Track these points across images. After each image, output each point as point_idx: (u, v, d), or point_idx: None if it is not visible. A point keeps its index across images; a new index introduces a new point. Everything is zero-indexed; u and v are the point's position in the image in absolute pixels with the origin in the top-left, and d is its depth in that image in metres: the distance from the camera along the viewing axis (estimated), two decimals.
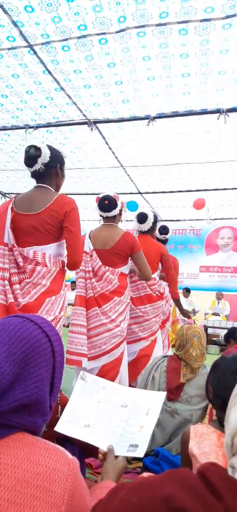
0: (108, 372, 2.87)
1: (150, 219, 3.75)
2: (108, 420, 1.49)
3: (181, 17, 2.48)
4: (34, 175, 2.39)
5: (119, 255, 3.04)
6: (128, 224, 4.27)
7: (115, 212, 3.12)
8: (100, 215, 3.20)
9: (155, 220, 3.88)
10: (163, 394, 1.57)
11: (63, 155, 2.49)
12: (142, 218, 3.74)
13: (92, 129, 3.95)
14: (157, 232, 4.51)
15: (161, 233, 4.59)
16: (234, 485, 0.62)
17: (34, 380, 0.91)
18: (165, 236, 4.60)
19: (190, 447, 1.53)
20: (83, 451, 1.65)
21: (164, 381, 2.49)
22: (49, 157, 2.33)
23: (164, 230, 4.61)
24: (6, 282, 2.21)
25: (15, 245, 2.26)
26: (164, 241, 4.57)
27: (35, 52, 2.88)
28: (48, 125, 4.10)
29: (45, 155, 2.31)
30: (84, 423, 1.48)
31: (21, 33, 2.67)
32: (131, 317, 3.40)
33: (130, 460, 2.37)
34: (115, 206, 3.10)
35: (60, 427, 1.39)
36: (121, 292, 3.03)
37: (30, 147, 2.33)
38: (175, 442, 2.34)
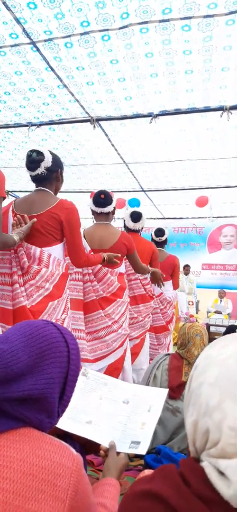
0: (114, 371, 2.90)
1: (144, 219, 3.83)
2: (109, 416, 1.49)
3: (184, 13, 2.47)
4: (35, 179, 2.42)
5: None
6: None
7: (110, 208, 3.10)
8: (94, 211, 3.15)
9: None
10: (165, 391, 1.57)
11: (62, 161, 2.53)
12: (137, 217, 3.79)
13: (94, 126, 3.95)
14: (153, 234, 4.63)
15: (156, 235, 4.65)
16: (199, 472, 0.72)
17: (45, 376, 0.94)
18: (160, 238, 4.64)
19: None
20: (84, 447, 1.65)
21: (166, 379, 2.49)
22: (51, 161, 2.37)
23: (160, 232, 4.66)
24: (17, 285, 2.23)
25: (23, 243, 2.27)
26: (159, 243, 4.60)
27: (38, 49, 2.88)
28: (51, 122, 4.10)
29: (48, 160, 2.35)
30: (86, 419, 1.48)
31: (24, 30, 2.66)
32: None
33: (131, 457, 2.38)
34: (111, 202, 3.09)
35: (62, 423, 1.39)
36: (121, 293, 3.05)
37: (32, 151, 2.35)
38: (177, 440, 2.34)
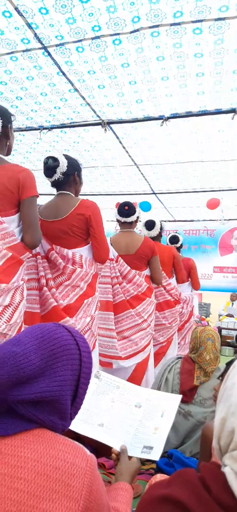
0: (141, 369, 3.06)
1: (158, 225, 3.95)
2: (121, 420, 1.49)
3: (195, 16, 2.47)
4: (54, 184, 2.48)
5: (142, 259, 3.23)
6: None
7: (133, 218, 3.30)
8: (118, 220, 3.34)
9: (161, 227, 4.07)
10: (179, 397, 1.56)
11: (79, 163, 2.57)
12: (151, 224, 3.94)
13: (105, 130, 3.97)
14: (167, 241, 4.77)
15: (171, 243, 4.76)
16: (220, 478, 0.71)
17: (58, 379, 0.94)
18: (175, 245, 4.72)
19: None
20: (96, 450, 1.66)
21: (178, 382, 2.48)
22: (67, 165, 2.41)
23: (174, 239, 4.80)
24: (46, 289, 2.31)
25: (54, 247, 2.36)
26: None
27: (49, 54, 2.90)
28: (62, 126, 4.13)
29: (63, 164, 2.40)
30: (97, 422, 1.48)
31: (35, 35, 2.69)
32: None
33: (143, 461, 2.37)
34: (134, 212, 3.28)
35: (74, 425, 1.40)
36: (150, 293, 3.23)
37: (48, 158, 2.41)
38: (189, 444, 2.33)
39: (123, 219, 3.28)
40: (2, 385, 0.87)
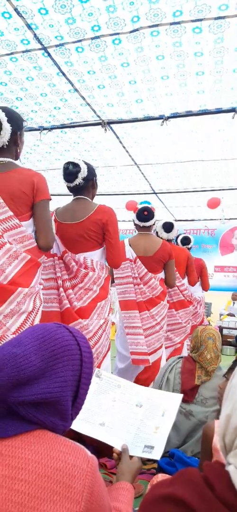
0: (154, 369, 3.11)
1: (175, 228, 4.05)
2: (122, 419, 1.48)
3: (195, 16, 2.46)
4: (73, 189, 2.54)
5: (159, 261, 3.29)
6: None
7: (152, 222, 3.38)
8: (137, 224, 3.40)
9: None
10: (180, 396, 1.56)
11: (95, 168, 2.65)
12: (169, 227, 4.00)
13: (105, 129, 3.97)
14: (179, 242, 4.79)
15: (183, 244, 4.78)
16: (225, 476, 0.70)
17: (58, 380, 0.94)
18: (187, 246, 4.76)
19: (215, 442, 1.52)
20: (97, 451, 1.65)
21: (179, 382, 2.47)
22: (87, 171, 2.49)
23: (186, 240, 4.83)
24: (62, 289, 2.38)
25: (67, 250, 2.43)
26: None
27: (49, 54, 2.90)
28: (62, 126, 4.13)
29: (84, 170, 2.47)
30: (99, 421, 1.48)
31: (35, 35, 2.69)
32: (168, 324, 3.63)
33: (145, 461, 2.37)
34: (152, 217, 3.36)
35: (75, 425, 1.40)
36: (163, 297, 3.30)
37: (68, 163, 2.48)
38: (190, 443, 2.33)
39: (142, 224, 3.35)
40: (2, 387, 0.86)
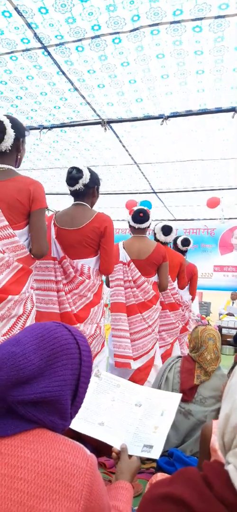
0: (147, 368, 3.19)
1: (174, 232, 4.05)
2: (122, 418, 1.49)
3: (195, 14, 2.46)
4: (74, 193, 2.58)
5: (153, 264, 3.29)
6: None
7: (147, 224, 3.37)
8: (132, 226, 3.40)
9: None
10: (179, 396, 1.56)
11: (99, 177, 2.68)
12: (168, 230, 3.98)
13: (105, 129, 3.97)
14: (179, 243, 4.75)
15: (183, 245, 4.75)
16: (224, 476, 0.71)
17: (58, 378, 0.94)
18: (187, 248, 4.76)
19: (213, 442, 1.52)
20: (96, 450, 1.66)
21: (178, 381, 2.47)
22: (89, 178, 2.52)
23: (186, 242, 4.79)
24: (63, 293, 2.43)
25: (66, 256, 2.47)
26: (185, 252, 4.76)
27: (49, 53, 2.90)
28: (62, 125, 4.13)
29: (86, 177, 2.50)
30: (98, 421, 1.48)
31: (35, 34, 2.69)
32: (162, 324, 3.71)
33: (144, 460, 2.37)
34: (148, 219, 3.36)
35: (74, 424, 1.40)
36: (156, 300, 3.32)
37: (72, 168, 2.53)
38: (189, 443, 2.33)
39: (137, 225, 3.35)
40: (1, 386, 0.86)
